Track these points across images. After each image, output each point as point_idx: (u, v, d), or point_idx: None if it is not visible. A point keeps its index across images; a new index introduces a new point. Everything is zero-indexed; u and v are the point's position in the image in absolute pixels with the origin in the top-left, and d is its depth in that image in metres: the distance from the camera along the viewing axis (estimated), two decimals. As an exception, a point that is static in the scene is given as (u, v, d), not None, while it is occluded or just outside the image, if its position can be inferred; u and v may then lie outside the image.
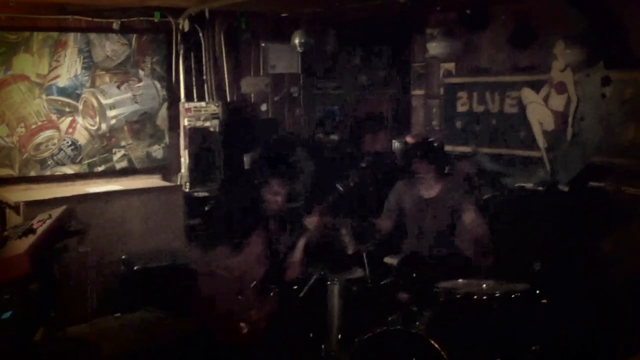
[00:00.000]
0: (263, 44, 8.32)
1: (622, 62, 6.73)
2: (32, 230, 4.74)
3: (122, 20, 7.43)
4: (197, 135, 7.77)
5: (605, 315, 5.63)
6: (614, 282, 5.90)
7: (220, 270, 5.40)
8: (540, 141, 7.50)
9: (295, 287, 5.46)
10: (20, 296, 4.61)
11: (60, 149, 7.27)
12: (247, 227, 5.51)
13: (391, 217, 6.35)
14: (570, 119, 7.23)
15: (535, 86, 7.51)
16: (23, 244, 4.60)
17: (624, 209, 6.47)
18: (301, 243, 5.69)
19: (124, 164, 7.65)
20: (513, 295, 5.02)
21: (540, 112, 7.50)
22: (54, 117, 7.20)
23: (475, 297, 5.04)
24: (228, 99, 8.10)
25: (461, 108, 8.23)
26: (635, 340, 5.15)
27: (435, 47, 7.86)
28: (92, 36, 7.33)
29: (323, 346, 5.36)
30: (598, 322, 5.54)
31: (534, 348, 4.94)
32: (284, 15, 8.05)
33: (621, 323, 5.59)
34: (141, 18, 7.57)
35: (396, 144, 8.54)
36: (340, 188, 5.43)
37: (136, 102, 7.64)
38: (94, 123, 7.43)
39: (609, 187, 6.73)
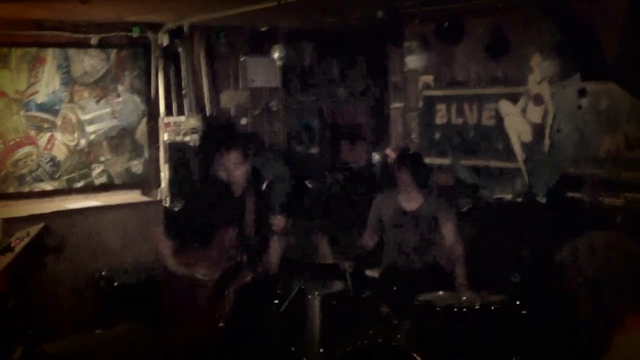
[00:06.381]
0: (242, 58, 8.31)
1: (598, 73, 6.78)
2: (10, 248, 4.72)
3: (101, 35, 7.42)
4: (176, 150, 7.76)
5: (584, 325, 5.66)
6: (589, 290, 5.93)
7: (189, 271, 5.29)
8: (518, 152, 7.55)
9: (276, 301, 5.46)
10: (-2, 314, 4.59)
11: (39, 165, 7.23)
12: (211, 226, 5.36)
13: (375, 232, 6.38)
14: (547, 131, 7.28)
15: (513, 98, 7.56)
16: (0, 263, 4.59)
17: (602, 218, 6.51)
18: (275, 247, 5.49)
19: (103, 179, 7.62)
20: (492, 307, 5.08)
21: (517, 123, 7.55)
22: (32, 133, 7.17)
23: (455, 309, 5.08)
24: (208, 113, 8.09)
25: (440, 120, 8.27)
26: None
27: (413, 60, 7.88)
28: (71, 51, 7.31)
29: (304, 360, 5.38)
30: (577, 332, 5.56)
31: (514, 359, 4.98)
32: (262, 29, 8.06)
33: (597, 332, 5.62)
34: (120, 33, 7.55)
35: (375, 156, 8.56)
36: (309, 185, 5.29)
37: (115, 117, 7.61)
38: (73, 139, 7.40)
39: (586, 197, 6.78)
